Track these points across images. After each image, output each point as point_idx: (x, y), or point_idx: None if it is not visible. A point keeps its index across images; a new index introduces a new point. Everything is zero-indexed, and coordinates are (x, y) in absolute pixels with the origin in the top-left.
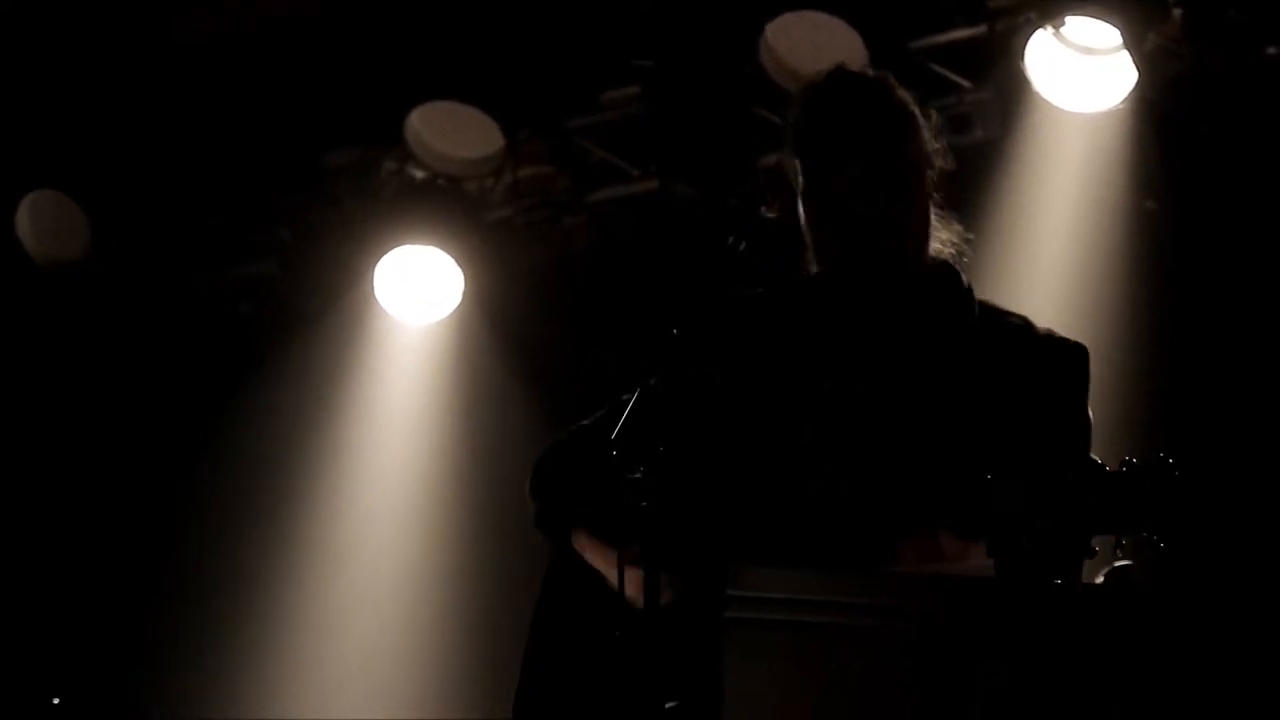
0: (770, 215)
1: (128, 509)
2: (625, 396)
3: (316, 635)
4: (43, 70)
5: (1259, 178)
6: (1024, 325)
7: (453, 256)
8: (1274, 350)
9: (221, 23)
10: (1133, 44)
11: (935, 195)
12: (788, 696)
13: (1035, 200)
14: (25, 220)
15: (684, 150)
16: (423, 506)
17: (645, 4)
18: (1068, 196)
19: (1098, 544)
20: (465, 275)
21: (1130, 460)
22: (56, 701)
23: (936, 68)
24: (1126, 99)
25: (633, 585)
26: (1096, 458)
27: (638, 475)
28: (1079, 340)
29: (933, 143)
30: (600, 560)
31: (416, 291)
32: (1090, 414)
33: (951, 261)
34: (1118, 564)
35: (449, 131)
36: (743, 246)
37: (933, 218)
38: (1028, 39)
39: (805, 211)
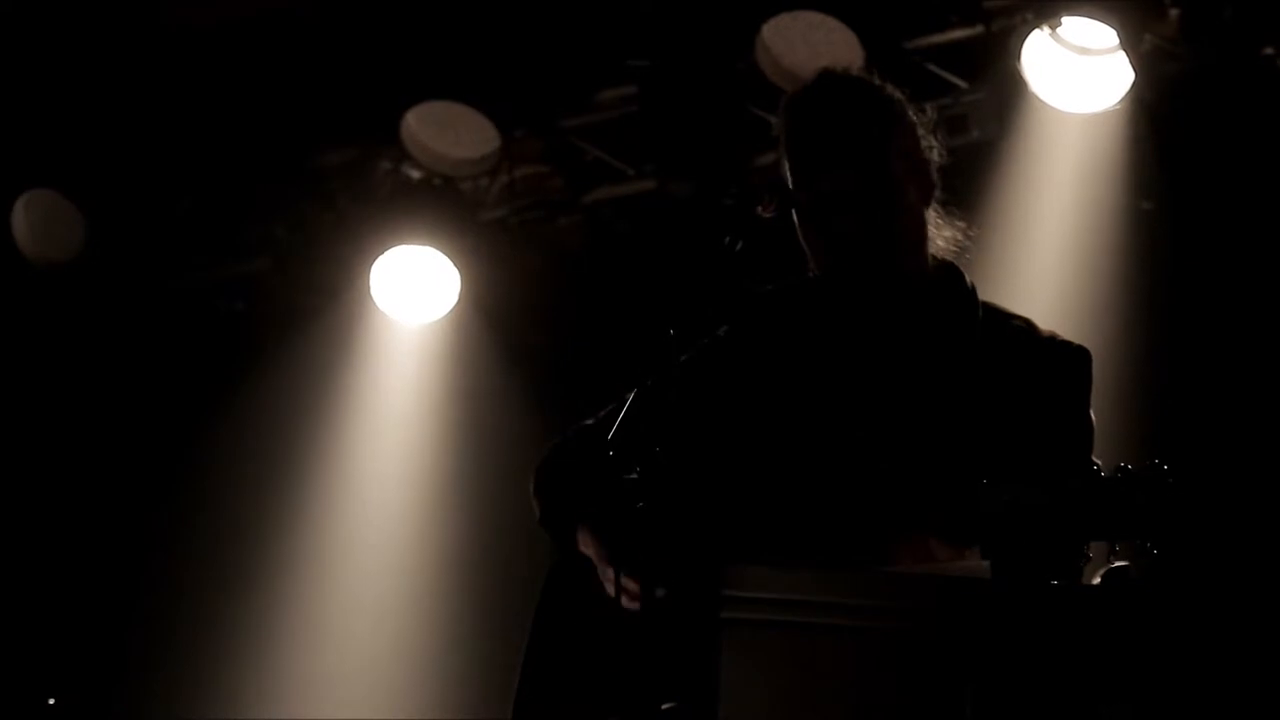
0: (766, 215)
1: (123, 508)
2: (627, 396)
3: (312, 635)
4: (38, 70)
5: (1255, 178)
6: (1027, 327)
7: (448, 256)
8: (1271, 350)
9: (217, 23)
10: (1129, 44)
11: (936, 193)
12: (783, 696)
13: (1032, 201)
14: (20, 219)
15: (679, 150)
16: (418, 506)
17: (641, 4)
18: (1064, 197)
19: (1092, 550)
20: (461, 275)
21: (1125, 467)
22: (52, 702)
23: (933, 68)
24: (1123, 99)
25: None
26: (1096, 460)
27: (634, 476)
28: (1080, 342)
29: (928, 140)
30: (599, 562)
31: (412, 291)
32: (1092, 416)
33: (954, 262)
34: (1114, 565)
35: (445, 131)
36: (739, 246)
37: (933, 216)
38: (1024, 39)
39: (798, 217)
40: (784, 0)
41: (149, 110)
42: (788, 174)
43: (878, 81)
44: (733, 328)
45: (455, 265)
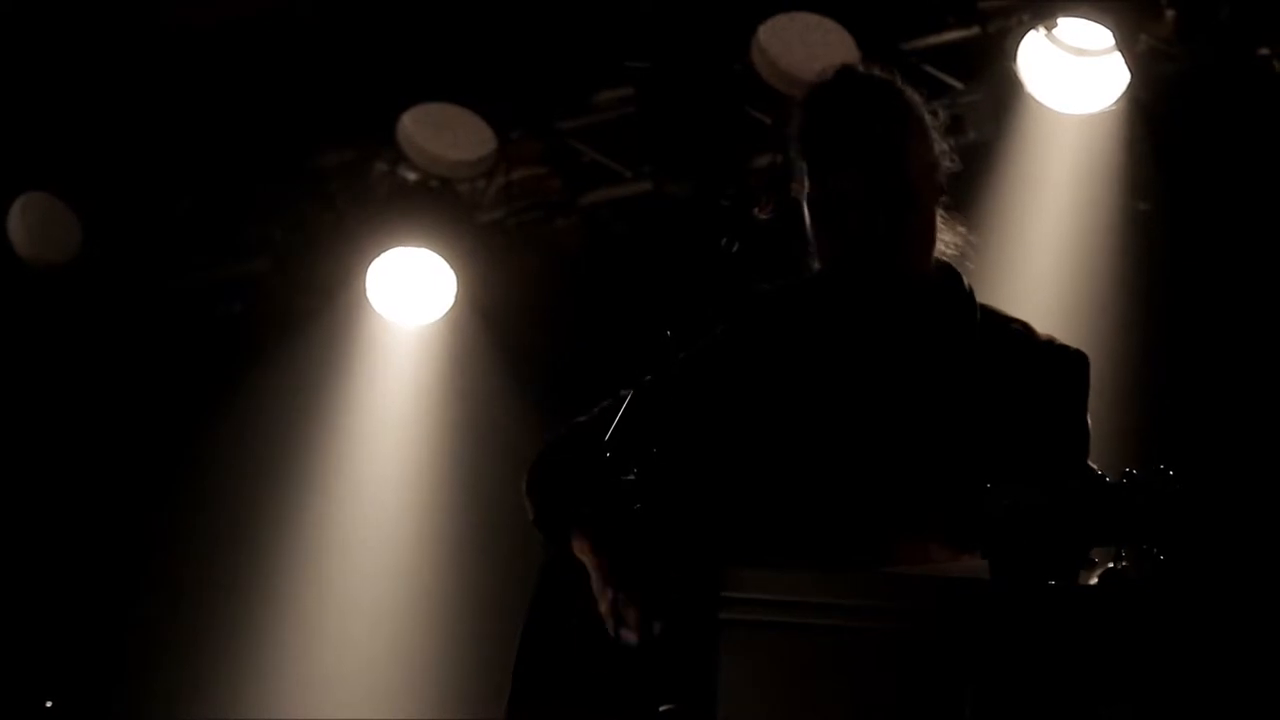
0: (763, 216)
1: (122, 509)
2: (623, 392)
3: (311, 636)
4: (36, 70)
5: (1252, 179)
6: (1025, 331)
7: (445, 258)
8: (1268, 351)
9: (215, 23)
10: (1125, 45)
11: (941, 197)
12: (783, 698)
13: (1028, 202)
14: (17, 222)
15: (677, 151)
16: (416, 507)
17: (638, 6)
18: (1060, 198)
19: (1096, 555)
20: (458, 276)
21: (1130, 471)
22: (50, 704)
23: (929, 69)
24: (1119, 100)
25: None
26: (1094, 465)
27: (631, 477)
28: (1077, 346)
29: (940, 144)
30: (592, 569)
31: (409, 293)
32: (1089, 422)
33: (954, 264)
34: (1113, 566)
35: (441, 133)
36: (735, 248)
37: (938, 220)
38: (1020, 40)
39: (810, 214)
40: (780, 1)
41: (146, 111)
42: (803, 171)
43: (898, 84)
44: (731, 327)
45: (452, 267)
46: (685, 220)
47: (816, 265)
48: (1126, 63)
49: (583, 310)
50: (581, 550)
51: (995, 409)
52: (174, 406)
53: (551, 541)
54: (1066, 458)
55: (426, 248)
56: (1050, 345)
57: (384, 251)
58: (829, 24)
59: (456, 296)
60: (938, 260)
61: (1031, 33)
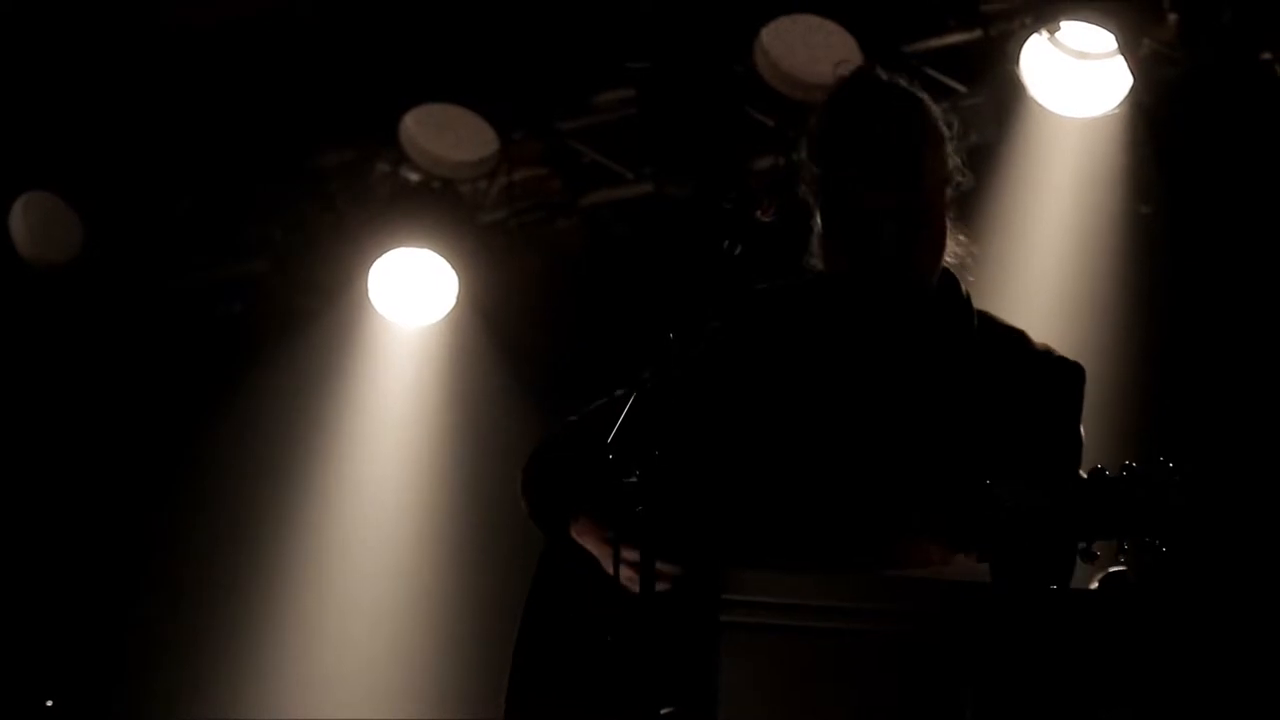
0: (765, 219)
1: (122, 509)
2: (620, 391)
3: (311, 636)
4: (36, 70)
5: (1254, 182)
6: (1021, 339)
7: (447, 258)
8: (1268, 354)
9: (216, 23)
10: (1127, 49)
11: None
12: (783, 700)
13: (1030, 205)
14: (18, 221)
15: (678, 153)
16: (416, 508)
17: (639, 6)
18: (1063, 201)
19: (1100, 549)
20: (459, 277)
21: (1131, 465)
22: (50, 704)
23: (931, 72)
24: (1121, 104)
25: (626, 570)
26: (1083, 474)
27: (634, 479)
28: (1079, 348)
29: (954, 157)
30: (599, 545)
31: (411, 293)
32: (1082, 432)
33: (953, 272)
34: (1113, 569)
35: (443, 133)
36: (737, 250)
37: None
38: (1022, 43)
39: (824, 223)
40: (782, 3)
41: (147, 111)
42: (818, 176)
43: (919, 93)
44: (728, 326)
45: (453, 267)
46: (686, 222)
47: (817, 265)
48: (1129, 66)
49: (584, 311)
50: (582, 533)
51: (988, 415)
52: (174, 406)
53: (549, 534)
54: (1057, 466)
55: (428, 248)
56: (1046, 355)
57: (385, 252)
58: (831, 26)
59: (458, 297)
60: (941, 266)
61: (1034, 36)
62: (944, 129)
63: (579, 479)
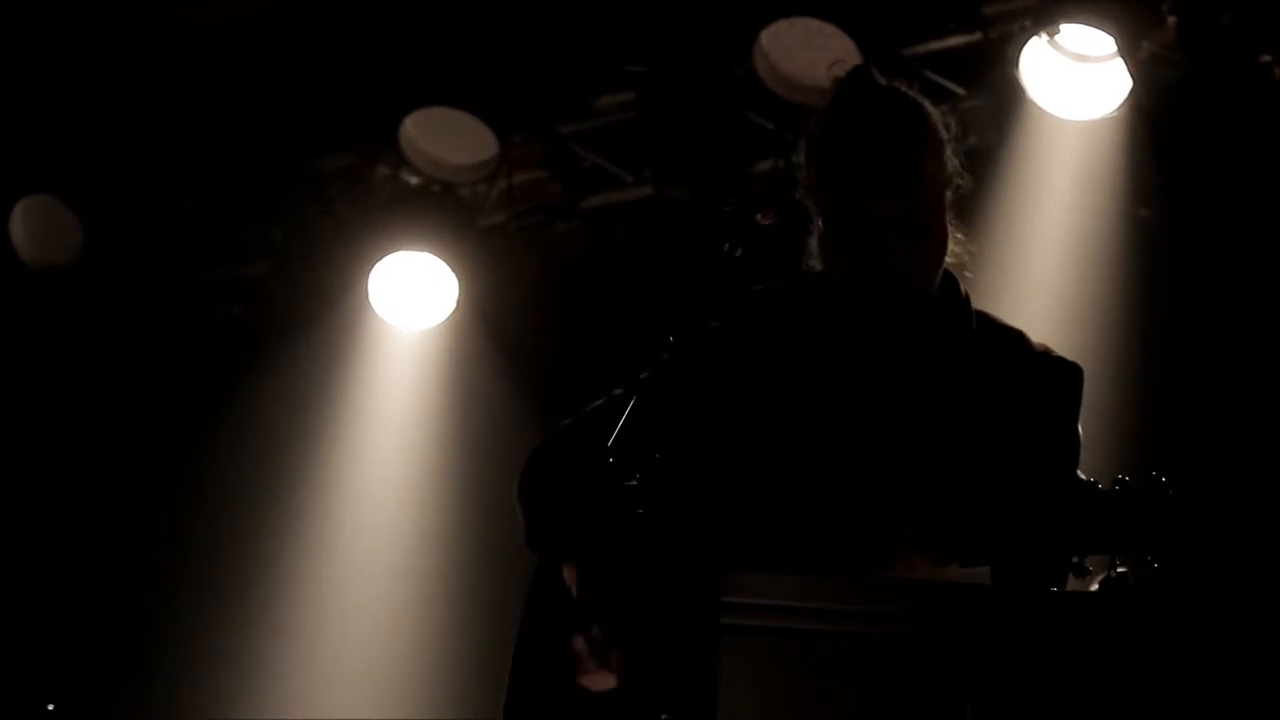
0: (765, 222)
1: (122, 512)
2: (617, 392)
3: (310, 638)
4: (36, 71)
5: (1253, 185)
6: (1019, 339)
7: (447, 262)
8: (1268, 357)
9: (216, 23)
10: (1127, 51)
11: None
12: (782, 703)
13: (1029, 208)
14: (18, 225)
15: (678, 156)
16: (416, 511)
17: (639, 9)
18: (1062, 204)
19: (1091, 564)
20: (459, 280)
21: (1124, 479)
22: (51, 707)
23: (930, 74)
24: (1121, 107)
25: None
26: (1083, 475)
27: (634, 483)
28: (1078, 351)
29: (953, 160)
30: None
31: (410, 297)
32: (1080, 433)
33: (952, 272)
34: (1112, 572)
35: (443, 137)
36: (738, 253)
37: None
38: (1022, 46)
39: (826, 225)
40: (782, 6)
41: (147, 112)
42: (818, 181)
43: (918, 98)
44: (726, 327)
45: (453, 271)
46: (686, 225)
47: (816, 266)
48: (1128, 69)
49: (584, 314)
50: (569, 579)
51: (987, 416)
52: (174, 409)
53: (543, 560)
54: (1055, 468)
55: (428, 251)
56: (1045, 356)
57: (385, 255)
58: (830, 29)
59: (458, 300)
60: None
61: (1033, 39)
62: (943, 133)
63: (576, 495)
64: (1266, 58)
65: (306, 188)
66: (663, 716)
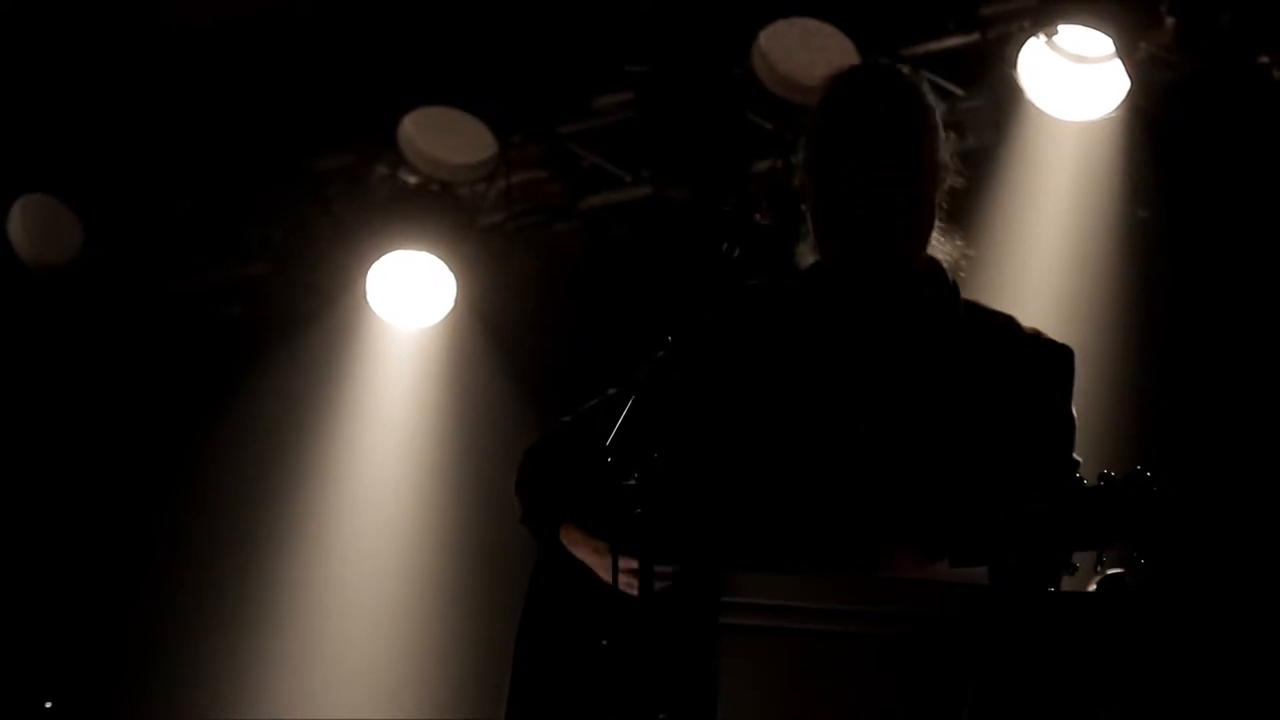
0: (764, 222)
1: (121, 512)
2: (613, 390)
3: (310, 637)
4: (36, 71)
5: (1251, 186)
6: (1009, 323)
7: (445, 261)
8: (1266, 357)
9: (216, 23)
10: (1125, 52)
11: (942, 206)
12: (782, 702)
13: (1027, 208)
14: (17, 224)
15: (677, 156)
16: (415, 510)
17: (638, 10)
18: (1060, 204)
19: (1079, 561)
20: (458, 280)
21: (1109, 474)
22: (49, 705)
23: (929, 75)
24: (1119, 107)
25: (625, 575)
26: (1078, 457)
27: (633, 481)
28: (1064, 341)
29: (950, 146)
30: (589, 554)
31: (409, 296)
32: (1074, 413)
33: (942, 263)
34: (1110, 572)
35: (442, 136)
36: (736, 253)
37: (938, 227)
38: (1020, 47)
39: (819, 198)
40: (781, 6)
41: (147, 112)
42: (813, 162)
43: (915, 80)
44: (721, 324)
45: (452, 271)
46: (685, 225)
47: (808, 259)
48: (1126, 70)
49: (583, 314)
50: (573, 540)
51: (980, 401)
52: (174, 409)
53: (539, 537)
54: (1050, 449)
55: (426, 251)
56: (1035, 338)
57: (384, 254)
58: (829, 29)
59: (456, 300)
60: (928, 256)
61: (1032, 39)
62: (939, 122)
63: (571, 484)
64: (1265, 58)
65: (305, 187)
66: (661, 716)
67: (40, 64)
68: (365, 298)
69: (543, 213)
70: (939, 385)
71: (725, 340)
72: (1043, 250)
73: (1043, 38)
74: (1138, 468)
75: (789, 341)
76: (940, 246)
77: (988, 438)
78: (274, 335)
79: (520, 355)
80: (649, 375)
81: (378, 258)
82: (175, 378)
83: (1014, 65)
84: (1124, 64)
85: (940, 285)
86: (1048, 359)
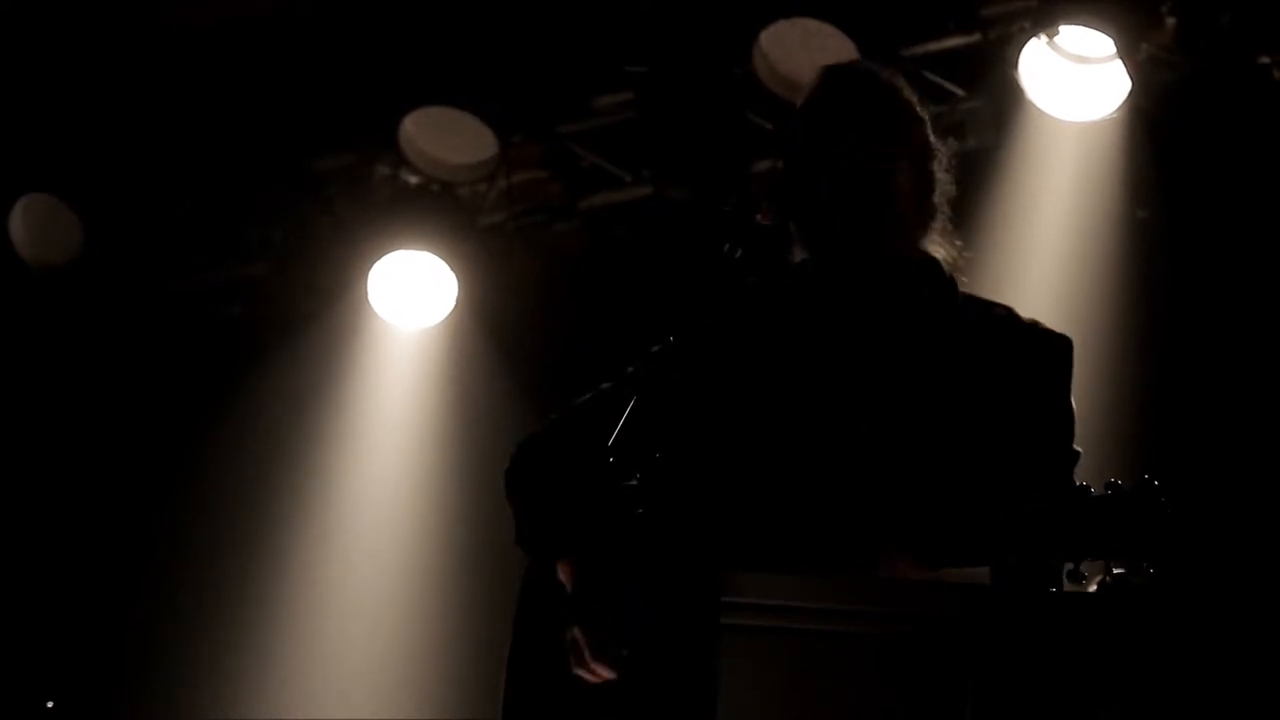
0: (765, 222)
1: (121, 511)
2: (605, 385)
3: (310, 637)
4: (36, 71)
5: (1251, 186)
6: (1008, 315)
7: (446, 261)
8: (1265, 358)
9: (216, 24)
10: (1126, 53)
11: (936, 197)
12: (782, 703)
13: (1028, 208)
14: (18, 224)
15: (677, 156)
16: (415, 510)
17: (639, 10)
18: (1060, 205)
19: (1087, 569)
20: (458, 280)
21: (1115, 483)
22: (50, 705)
23: (930, 75)
24: (1119, 108)
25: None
26: (1078, 448)
27: (634, 482)
28: (1062, 331)
29: (939, 144)
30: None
31: (410, 296)
32: (1073, 404)
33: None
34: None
35: (442, 136)
36: (737, 253)
37: (935, 228)
38: (1021, 47)
39: (793, 193)
40: (782, 6)
41: (147, 112)
42: (802, 139)
43: (890, 75)
44: (721, 323)
45: (453, 270)
46: (686, 225)
47: (800, 256)
48: (1127, 70)
49: (583, 314)
50: (565, 576)
51: (980, 395)
52: (174, 409)
53: (536, 560)
54: (1050, 440)
55: (427, 251)
56: (1034, 329)
57: (385, 255)
58: (830, 29)
59: (457, 300)
60: (920, 250)
61: (1033, 40)
62: (921, 117)
63: (567, 493)
64: (1265, 59)
65: (306, 187)
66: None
67: (40, 64)
68: (366, 298)
69: (543, 213)
70: (939, 382)
71: (727, 340)
72: (1043, 251)
73: (1043, 38)
74: (1145, 477)
75: (789, 341)
76: (938, 249)
77: (988, 432)
78: (274, 335)
79: (521, 355)
80: (649, 375)
81: (378, 258)
82: (175, 378)
83: (1015, 66)
84: (1125, 64)
85: (938, 280)
86: (1047, 350)
